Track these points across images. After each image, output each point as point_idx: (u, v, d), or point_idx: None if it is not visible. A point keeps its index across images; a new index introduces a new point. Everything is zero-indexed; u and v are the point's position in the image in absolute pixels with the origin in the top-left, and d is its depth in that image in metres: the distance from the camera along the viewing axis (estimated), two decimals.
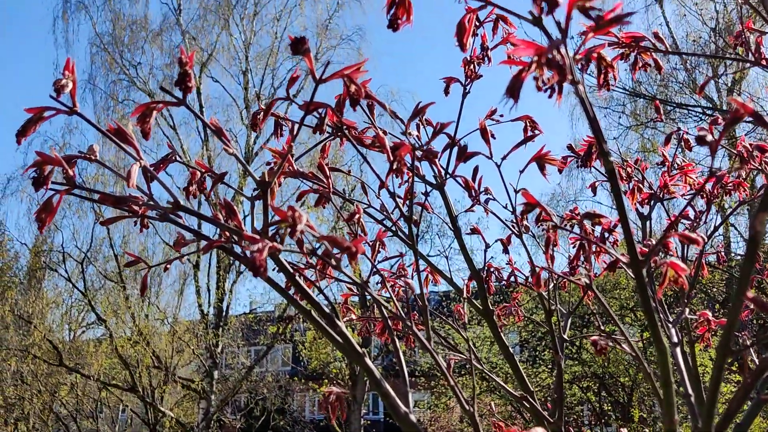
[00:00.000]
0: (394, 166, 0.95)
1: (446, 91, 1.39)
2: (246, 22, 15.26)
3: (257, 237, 0.76)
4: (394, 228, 1.32)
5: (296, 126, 1.03)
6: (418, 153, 1.15)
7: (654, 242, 1.39)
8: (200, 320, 14.42)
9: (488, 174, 1.44)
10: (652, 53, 1.11)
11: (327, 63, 0.83)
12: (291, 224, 0.72)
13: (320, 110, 0.96)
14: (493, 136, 1.43)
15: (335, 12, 15.37)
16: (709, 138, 0.72)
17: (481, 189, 1.29)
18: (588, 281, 1.14)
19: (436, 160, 1.16)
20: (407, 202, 1.29)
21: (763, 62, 1.20)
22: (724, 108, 10.90)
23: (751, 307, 0.63)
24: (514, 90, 0.78)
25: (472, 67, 1.34)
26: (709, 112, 10.40)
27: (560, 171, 1.68)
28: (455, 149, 1.23)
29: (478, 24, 1.38)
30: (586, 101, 0.77)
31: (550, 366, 11.47)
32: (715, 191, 1.63)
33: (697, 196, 1.41)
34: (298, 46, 0.79)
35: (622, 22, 0.68)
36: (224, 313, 14.53)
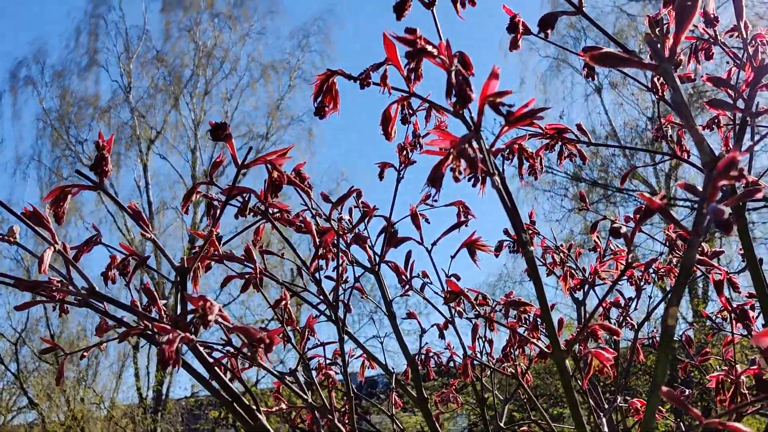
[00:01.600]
0: (320, 252, 0.93)
1: (380, 176, 1.40)
2: (196, 101, 15.35)
3: (168, 327, 0.73)
4: (329, 312, 1.30)
5: (238, 207, 1.02)
6: (349, 237, 1.14)
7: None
8: (138, 404, 13.82)
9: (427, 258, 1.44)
10: (576, 144, 1.14)
11: (250, 149, 0.83)
12: (202, 315, 0.69)
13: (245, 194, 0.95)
14: (426, 220, 1.44)
15: (287, 93, 15.61)
16: (623, 230, 0.73)
17: (414, 274, 1.28)
18: (513, 371, 1.12)
19: (367, 245, 1.15)
20: (339, 286, 1.27)
21: (684, 155, 1.24)
22: (661, 191, 11.31)
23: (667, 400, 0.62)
24: (435, 180, 0.78)
25: (405, 153, 1.35)
26: (647, 196, 10.77)
27: (496, 255, 1.69)
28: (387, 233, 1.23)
29: (411, 111, 1.41)
30: (503, 192, 0.78)
31: None
32: (645, 277, 1.66)
33: (620, 281, 1.43)
34: (218, 132, 0.78)
35: (534, 117, 0.70)
36: (164, 397, 13.97)
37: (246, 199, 0.90)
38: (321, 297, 1.31)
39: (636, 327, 1.67)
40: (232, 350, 0.87)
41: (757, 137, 0.99)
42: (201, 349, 0.95)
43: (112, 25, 15.45)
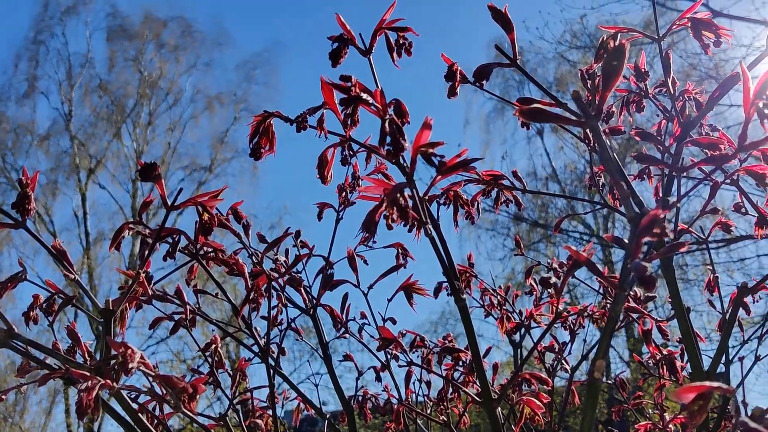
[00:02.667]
0: (251, 295, 0.92)
1: (319, 217, 1.40)
2: (139, 131, 15.10)
3: (87, 374, 0.70)
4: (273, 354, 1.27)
5: (167, 248, 0.99)
6: (283, 279, 1.13)
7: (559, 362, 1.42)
8: None
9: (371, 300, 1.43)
10: (512, 191, 1.16)
11: (180, 190, 0.81)
12: (122, 362, 0.67)
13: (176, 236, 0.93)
14: (365, 262, 1.43)
15: (232, 125, 15.50)
16: (553, 280, 0.74)
17: (350, 317, 1.27)
18: (446, 419, 1.12)
19: (302, 287, 1.14)
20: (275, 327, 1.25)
21: (616, 204, 1.27)
22: (601, 233, 11.60)
23: None
24: (369, 226, 0.78)
25: (344, 194, 1.35)
26: (586, 237, 11.05)
27: (435, 297, 1.69)
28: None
29: (351, 153, 1.41)
30: (437, 240, 0.78)
31: None
32: (580, 322, 1.68)
33: (554, 326, 1.45)
34: (148, 172, 0.76)
35: (466, 167, 0.70)
36: None
37: (176, 239, 0.88)
38: (254, 340, 1.28)
39: (570, 371, 1.68)
40: (156, 397, 0.83)
41: (686, 188, 1.03)
42: (125, 394, 0.91)
43: (54, 52, 15.15)
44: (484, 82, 0.84)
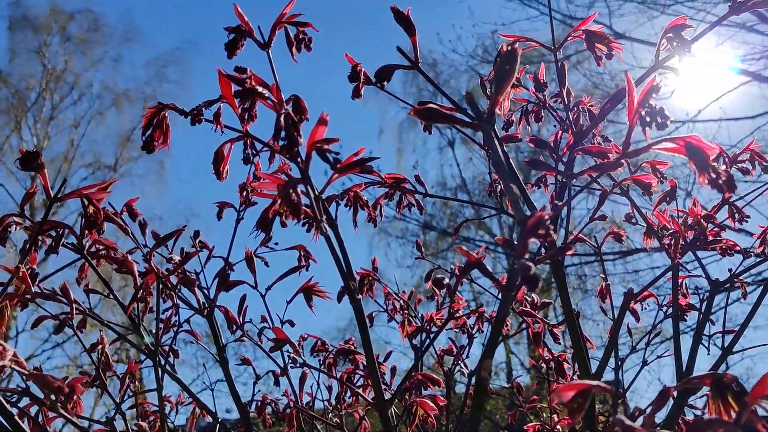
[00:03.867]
0: (139, 294, 0.88)
1: (218, 216, 1.36)
2: (40, 126, 14.40)
3: None
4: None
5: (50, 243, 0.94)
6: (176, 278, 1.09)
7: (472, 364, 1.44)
8: None
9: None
10: (414, 195, 1.16)
11: (64, 183, 0.77)
12: None
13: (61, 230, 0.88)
14: (266, 264, 1.41)
15: (139, 123, 14.98)
16: (446, 281, 0.75)
17: (247, 319, 1.24)
18: (339, 421, 1.11)
19: (196, 288, 1.10)
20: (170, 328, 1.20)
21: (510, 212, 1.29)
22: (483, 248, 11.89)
23: None
24: (263, 225, 0.76)
25: (245, 193, 1.32)
26: (492, 246, 11.31)
27: (338, 301, 1.68)
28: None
29: (254, 151, 1.39)
30: (334, 239, 0.77)
31: None
32: (479, 325, 1.71)
33: (454, 329, 1.47)
34: (29, 161, 0.72)
35: (363, 166, 0.70)
36: None
37: (60, 233, 0.84)
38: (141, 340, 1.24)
39: (468, 375, 1.71)
40: (32, 398, 0.79)
41: (592, 198, 1.06)
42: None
43: None
44: (385, 82, 0.84)
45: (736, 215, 1.25)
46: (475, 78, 12.91)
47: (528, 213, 0.61)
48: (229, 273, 1.13)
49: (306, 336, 1.69)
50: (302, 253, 1.36)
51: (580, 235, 1.67)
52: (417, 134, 14.08)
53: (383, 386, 1.51)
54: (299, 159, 0.65)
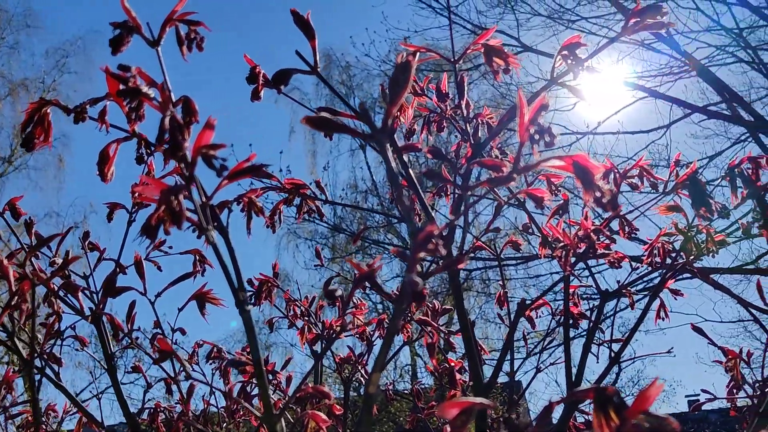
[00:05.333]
0: (13, 301, 0.82)
1: (109, 218, 1.30)
2: None
3: None
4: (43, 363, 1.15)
5: None
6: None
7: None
8: None
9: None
10: (314, 200, 1.15)
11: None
12: None
13: None
14: (159, 269, 1.35)
15: None
16: (339, 292, 0.74)
17: (135, 326, 1.19)
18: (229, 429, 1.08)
19: (79, 293, 1.04)
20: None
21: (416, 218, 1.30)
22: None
23: None
24: (147, 231, 0.72)
25: (137, 195, 1.27)
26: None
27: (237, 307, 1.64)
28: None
29: (149, 151, 1.33)
30: (224, 248, 0.74)
31: None
32: (381, 333, 1.71)
33: (352, 335, 1.46)
34: None
35: (261, 171, 0.67)
36: None
37: None
38: (12, 349, 1.16)
39: (368, 378, 1.70)
40: None
41: (491, 208, 1.07)
42: None
43: None
44: (282, 86, 0.82)
45: (626, 227, 1.30)
46: (386, 81, 12.98)
47: (424, 223, 0.61)
48: (116, 278, 1.07)
49: (202, 342, 1.64)
50: (197, 258, 1.32)
51: (480, 243, 1.70)
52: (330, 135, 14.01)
53: (281, 393, 1.48)
54: (185, 164, 0.62)
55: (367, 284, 0.73)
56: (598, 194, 0.61)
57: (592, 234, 1.05)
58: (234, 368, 0.96)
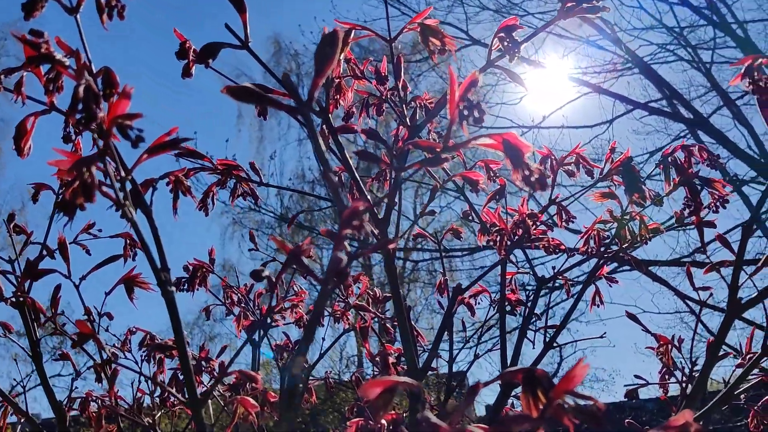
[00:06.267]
0: None
1: (34, 199, 1.25)
2: None
3: None
4: None
5: None
6: None
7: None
8: None
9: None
10: (248, 183, 1.12)
11: None
12: None
13: None
14: (88, 252, 1.31)
15: None
16: (265, 273, 0.71)
17: (60, 310, 1.14)
18: (151, 421, 1.05)
19: (6, 276, 1.00)
20: None
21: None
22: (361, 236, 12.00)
23: None
24: (64, 206, 0.69)
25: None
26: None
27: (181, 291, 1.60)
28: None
29: (78, 130, 1.28)
30: (147, 227, 0.71)
31: None
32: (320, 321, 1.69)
33: (291, 324, 1.44)
34: None
35: (175, 147, 0.65)
36: None
37: None
38: None
39: (308, 369, 1.69)
40: None
41: (445, 198, 1.06)
42: None
43: None
44: (210, 60, 0.79)
45: (564, 215, 1.31)
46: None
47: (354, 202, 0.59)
48: (39, 261, 1.03)
49: (135, 329, 1.59)
50: (128, 242, 1.28)
51: (421, 230, 1.69)
52: (278, 123, 13.93)
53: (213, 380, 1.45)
54: (99, 133, 0.59)
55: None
56: (527, 173, 0.61)
57: (527, 219, 1.05)
58: (159, 352, 0.93)
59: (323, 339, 1.87)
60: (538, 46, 8.25)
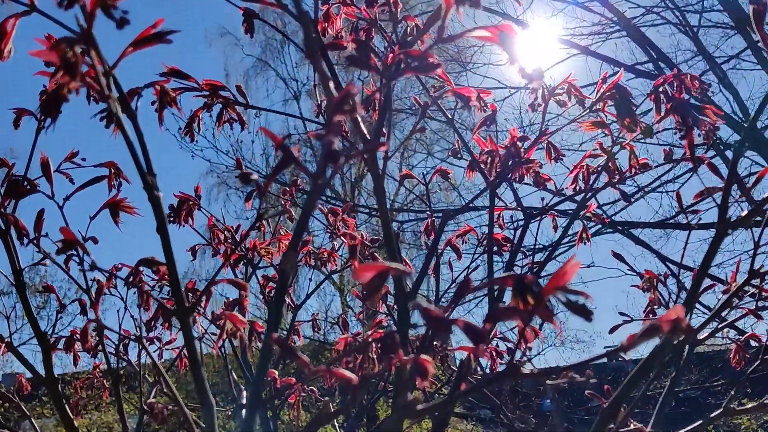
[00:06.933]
0: None
1: (15, 124, 1.22)
2: None
3: None
4: None
5: None
6: None
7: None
8: None
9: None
10: (236, 108, 1.10)
11: None
12: None
13: None
14: (71, 180, 1.28)
15: None
16: (253, 177, 0.70)
17: (45, 233, 1.12)
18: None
19: None
20: None
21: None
22: (347, 199, 11.99)
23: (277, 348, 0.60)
24: (48, 105, 0.67)
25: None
26: (333, 201, 11.37)
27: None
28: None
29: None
30: (131, 130, 0.69)
31: None
32: (306, 260, 1.69)
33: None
34: None
35: (162, 40, 0.63)
36: None
37: None
38: None
39: (294, 309, 1.69)
40: None
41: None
42: None
43: None
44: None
45: (552, 151, 1.30)
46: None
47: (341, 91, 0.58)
48: (22, 181, 1.01)
49: (120, 266, 1.58)
50: (112, 171, 1.25)
51: (408, 171, 1.68)
52: (265, 81, 13.79)
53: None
54: (82, 15, 0.57)
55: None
56: (522, 65, 0.59)
57: (518, 142, 1.04)
58: (147, 267, 0.92)
59: (310, 280, 1.87)
60: (526, 6, 8.16)
